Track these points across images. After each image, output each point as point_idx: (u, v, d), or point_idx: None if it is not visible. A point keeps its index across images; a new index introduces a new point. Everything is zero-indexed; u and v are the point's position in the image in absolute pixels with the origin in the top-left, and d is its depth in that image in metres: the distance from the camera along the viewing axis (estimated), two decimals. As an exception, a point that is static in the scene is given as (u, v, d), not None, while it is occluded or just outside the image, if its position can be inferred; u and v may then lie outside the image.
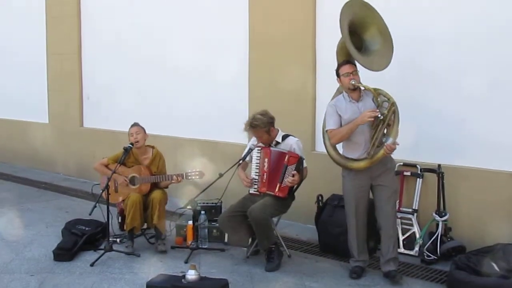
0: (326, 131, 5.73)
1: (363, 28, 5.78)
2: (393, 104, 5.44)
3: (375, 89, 5.52)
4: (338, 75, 5.64)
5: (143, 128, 6.64)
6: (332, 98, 5.90)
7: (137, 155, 6.64)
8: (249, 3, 7.90)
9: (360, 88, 5.59)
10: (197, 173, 6.39)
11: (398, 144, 5.44)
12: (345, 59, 5.69)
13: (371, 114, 5.39)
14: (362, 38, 5.80)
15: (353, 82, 5.49)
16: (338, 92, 5.91)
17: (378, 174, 5.60)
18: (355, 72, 5.54)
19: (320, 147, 7.27)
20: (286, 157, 5.93)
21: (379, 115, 5.40)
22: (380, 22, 5.81)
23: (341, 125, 5.60)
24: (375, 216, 5.80)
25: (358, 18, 5.71)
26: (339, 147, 5.79)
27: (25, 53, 11.66)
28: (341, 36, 5.67)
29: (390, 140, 5.40)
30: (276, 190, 5.94)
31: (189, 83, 8.79)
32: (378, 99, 5.50)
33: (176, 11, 8.95)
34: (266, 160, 6.05)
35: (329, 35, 7.13)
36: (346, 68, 5.56)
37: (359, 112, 5.53)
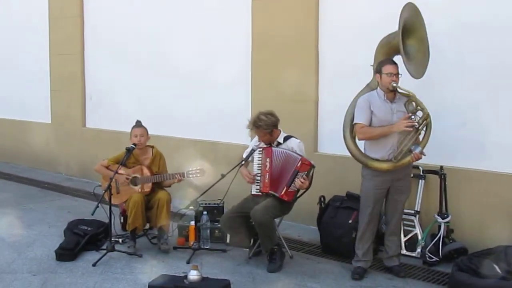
0: (355, 124, 5.67)
1: (409, 33, 5.73)
2: (428, 115, 5.42)
3: (407, 95, 5.50)
4: (379, 71, 5.56)
5: (146, 130, 6.64)
6: (361, 92, 5.87)
7: (138, 156, 6.65)
8: (251, 5, 7.90)
9: (397, 90, 5.55)
10: (197, 171, 6.38)
11: (425, 155, 5.47)
12: (389, 58, 5.65)
13: (408, 124, 5.38)
14: (406, 42, 5.74)
15: (394, 85, 5.44)
16: (369, 87, 5.87)
17: (400, 178, 5.63)
18: (397, 74, 5.50)
19: (323, 149, 7.30)
20: (299, 163, 5.90)
21: (416, 125, 5.40)
22: (423, 31, 5.79)
23: (371, 122, 5.58)
24: (381, 216, 5.83)
25: (409, 22, 5.67)
26: (360, 143, 5.79)
27: (27, 54, 11.68)
28: (388, 34, 5.67)
29: (418, 149, 5.42)
30: (282, 192, 5.92)
31: (191, 84, 8.79)
32: (413, 106, 5.47)
33: (178, 13, 8.96)
34: (268, 160, 6.05)
35: (332, 37, 7.18)
36: (390, 68, 5.49)
37: (391, 113, 5.52)
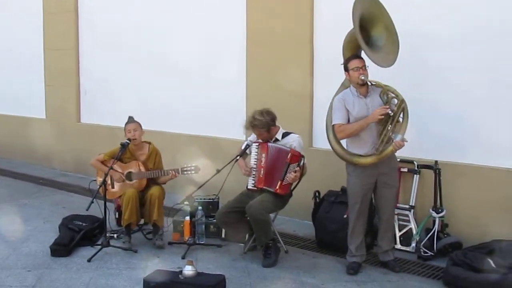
0: (333, 125, 5.69)
1: (371, 24, 5.76)
2: (403, 101, 5.44)
3: (381, 86, 5.53)
4: (346, 69, 5.59)
5: (139, 124, 6.63)
6: (337, 93, 5.88)
7: (134, 151, 6.64)
8: (246, 1, 7.89)
9: (367, 83, 5.56)
10: (192, 168, 6.38)
11: (406, 141, 5.46)
12: (354, 53, 5.67)
13: (382, 112, 5.40)
14: (370, 33, 5.78)
15: (362, 77, 5.46)
16: (344, 86, 5.89)
17: (385, 172, 5.63)
18: (364, 67, 5.51)
19: (318, 144, 7.30)
20: (289, 156, 5.91)
21: (390, 112, 5.41)
22: (387, 19, 5.80)
23: (348, 120, 5.59)
24: (374, 211, 5.84)
25: (367, 13, 5.69)
26: (343, 142, 5.79)
27: (22, 49, 11.64)
28: (349, 30, 5.67)
29: (399, 137, 5.42)
30: (277, 187, 5.94)
31: (187, 79, 8.78)
32: (387, 95, 5.50)
33: (174, 8, 8.93)
34: (263, 155, 6.05)
35: (327, 33, 7.17)
36: (355, 63, 5.52)
37: (366, 108, 5.53)
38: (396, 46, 5.79)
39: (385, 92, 5.52)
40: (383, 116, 5.40)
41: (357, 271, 5.72)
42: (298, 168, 5.92)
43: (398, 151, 5.63)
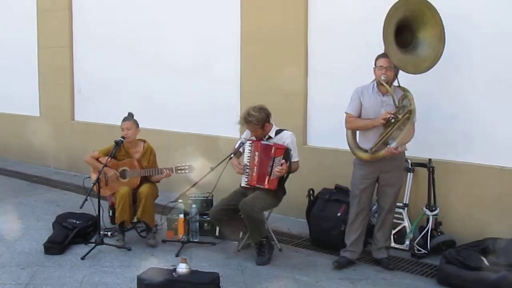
0: (345, 112, 5.77)
1: (419, 25, 5.71)
2: (410, 111, 5.47)
3: (404, 90, 5.57)
4: (375, 64, 5.64)
5: (135, 123, 6.62)
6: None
7: (128, 149, 6.63)
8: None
9: (390, 83, 5.57)
10: (186, 167, 6.38)
11: (399, 150, 5.50)
12: (385, 52, 5.64)
13: (384, 116, 5.46)
14: (416, 35, 5.74)
15: (383, 78, 5.49)
16: None
17: (388, 170, 5.67)
18: (389, 68, 5.51)
19: (312, 142, 7.31)
20: (273, 149, 5.95)
21: (391, 118, 5.44)
22: (437, 26, 5.72)
23: (360, 112, 5.65)
24: (371, 211, 5.87)
25: (413, 14, 5.65)
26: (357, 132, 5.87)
27: (16, 47, 11.60)
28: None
29: (393, 144, 5.46)
30: (266, 183, 5.96)
31: (181, 77, 8.76)
32: (402, 101, 5.52)
33: (169, 5, 8.91)
34: (256, 153, 6.06)
35: (321, 31, 7.16)
36: (381, 62, 5.55)
37: (380, 105, 5.58)
38: (435, 54, 5.72)
39: (403, 98, 5.53)
40: (385, 121, 5.45)
41: (342, 266, 5.76)
42: (283, 161, 5.92)
43: (408, 149, 5.67)
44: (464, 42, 6.07)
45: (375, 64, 5.63)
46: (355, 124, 5.69)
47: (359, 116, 5.68)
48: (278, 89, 7.45)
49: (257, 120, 5.99)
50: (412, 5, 5.65)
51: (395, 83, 5.64)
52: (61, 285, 5.36)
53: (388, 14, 5.52)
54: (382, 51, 5.63)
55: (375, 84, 5.67)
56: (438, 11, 5.69)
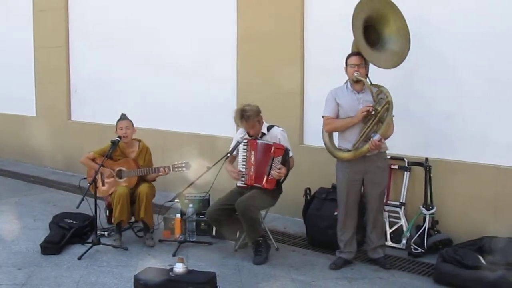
0: (322, 116, 5.78)
1: (383, 24, 5.83)
2: (388, 102, 5.49)
3: (378, 86, 5.59)
4: (346, 63, 5.68)
5: (131, 122, 6.62)
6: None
7: (124, 149, 6.63)
8: (237, -1, 7.91)
9: (363, 81, 5.60)
10: (183, 164, 6.38)
11: (383, 142, 5.52)
12: (355, 51, 5.71)
13: (364, 109, 5.47)
14: (381, 33, 5.85)
15: (356, 74, 5.54)
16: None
17: (371, 171, 5.67)
18: (361, 65, 5.58)
19: (308, 141, 7.31)
20: (272, 149, 5.95)
21: (371, 110, 5.45)
22: (400, 22, 5.86)
23: (338, 113, 5.67)
24: (363, 209, 5.85)
25: (378, 14, 5.75)
26: (335, 135, 5.86)
27: (12, 47, 11.59)
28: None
29: (376, 137, 5.47)
30: (264, 182, 5.96)
31: (178, 77, 8.76)
32: (378, 94, 5.55)
33: (165, 5, 8.90)
34: (253, 152, 6.05)
35: (317, 30, 7.16)
36: (353, 60, 5.61)
37: (357, 102, 5.60)
38: (403, 50, 5.86)
39: (379, 93, 5.56)
40: (365, 113, 5.46)
41: (339, 267, 5.76)
42: (282, 164, 5.92)
43: (389, 149, 5.67)
44: (458, 40, 6.08)
45: (346, 64, 5.67)
46: (334, 125, 5.70)
47: (337, 118, 5.70)
48: (275, 88, 7.45)
49: (254, 112, 5.99)
50: (375, 3, 5.77)
51: (367, 81, 5.67)
52: (58, 285, 5.35)
53: (354, 12, 5.61)
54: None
55: (349, 84, 5.71)
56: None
